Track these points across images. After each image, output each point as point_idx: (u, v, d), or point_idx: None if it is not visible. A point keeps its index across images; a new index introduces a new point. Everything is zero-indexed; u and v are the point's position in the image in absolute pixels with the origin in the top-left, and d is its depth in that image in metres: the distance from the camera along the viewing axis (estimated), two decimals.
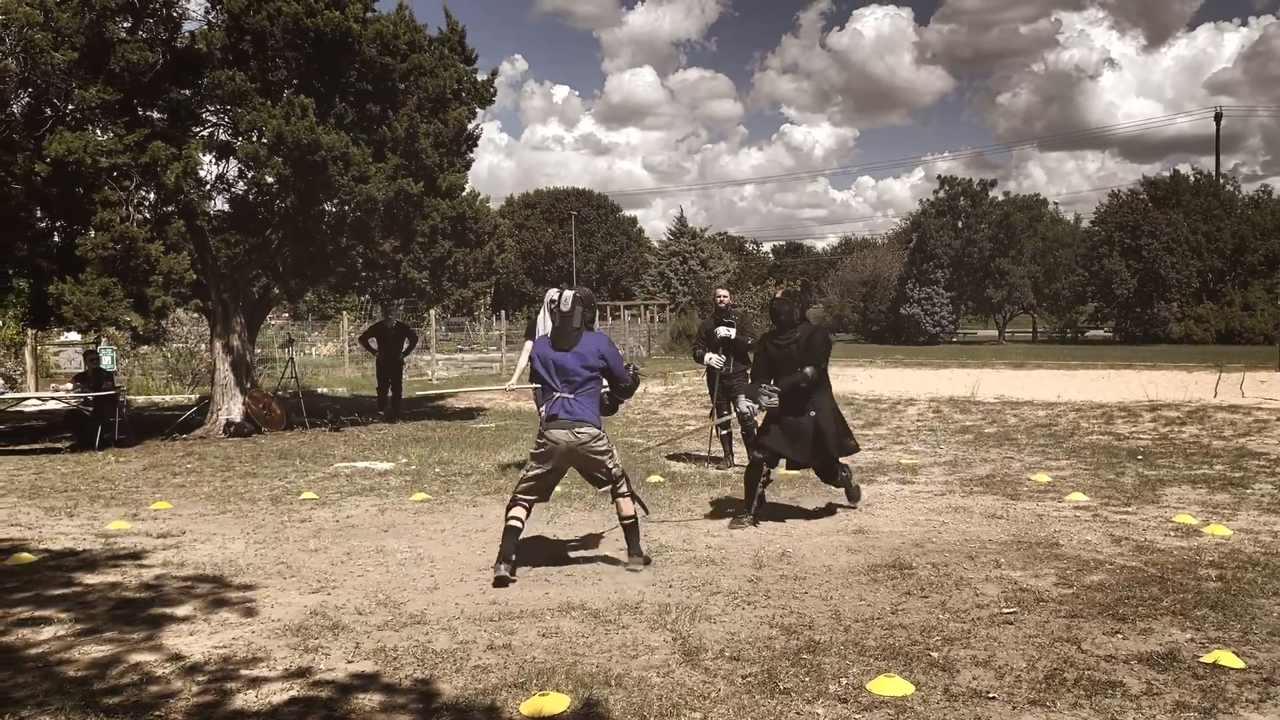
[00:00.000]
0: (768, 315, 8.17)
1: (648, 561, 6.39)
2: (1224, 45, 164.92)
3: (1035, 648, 4.74)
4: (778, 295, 8.03)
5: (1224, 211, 53.34)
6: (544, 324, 9.90)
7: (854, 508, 8.13)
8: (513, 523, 6.10)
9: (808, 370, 7.47)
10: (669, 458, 11.22)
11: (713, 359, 10.33)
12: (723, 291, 10.76)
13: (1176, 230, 51.17)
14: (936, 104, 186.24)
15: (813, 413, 7.57)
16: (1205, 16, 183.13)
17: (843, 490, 8.20)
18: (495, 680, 4.37)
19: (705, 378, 11.00)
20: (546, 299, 10.24)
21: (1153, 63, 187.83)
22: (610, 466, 6.22)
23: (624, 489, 6.28)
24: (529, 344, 9.63)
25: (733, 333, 10.32)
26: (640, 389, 7.89)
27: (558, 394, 6.10)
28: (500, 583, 5.92)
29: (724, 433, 10.64)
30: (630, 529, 6.34)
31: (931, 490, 9.08)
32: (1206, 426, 13.27)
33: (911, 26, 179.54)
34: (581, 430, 6.08)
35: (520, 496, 6.21)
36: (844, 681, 4.33)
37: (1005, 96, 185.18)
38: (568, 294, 6.33)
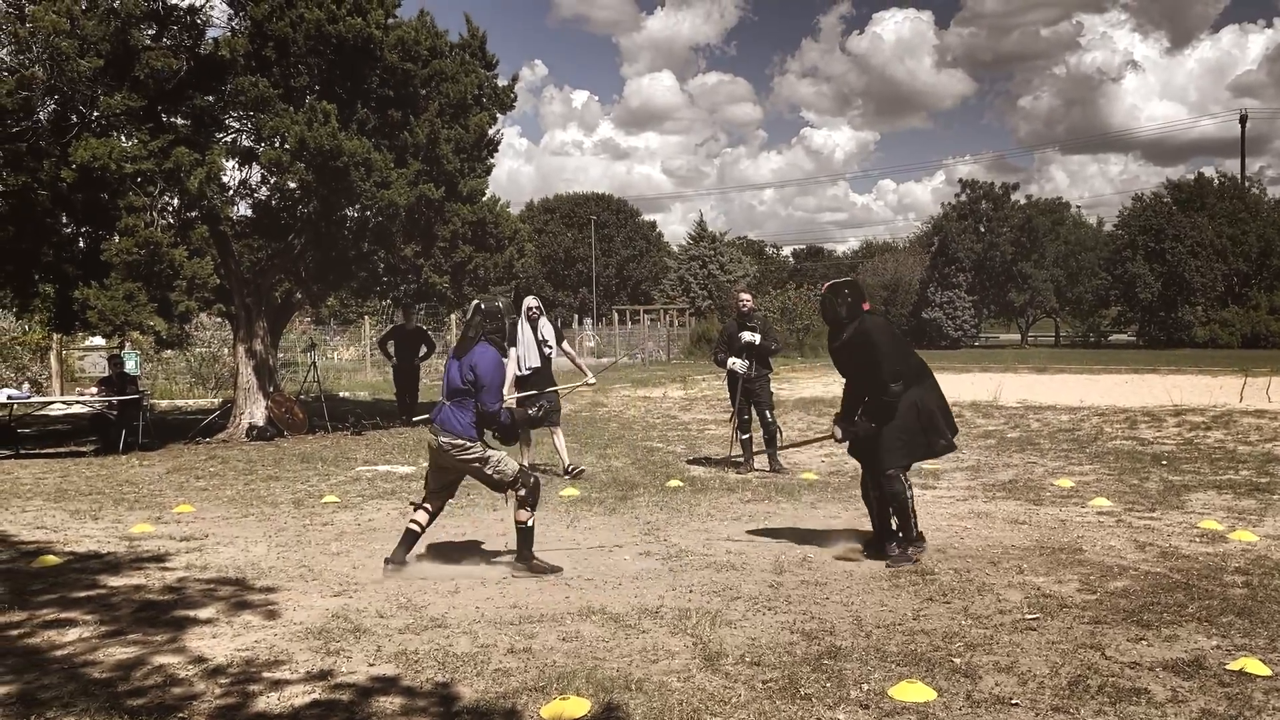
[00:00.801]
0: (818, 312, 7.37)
1: (538, 570, 6.23)
2: (1248, 47, 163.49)
3: (1058, 654, 4.70)
4: (823, 289, 6.98)
5: (1249, 214, 52.93)
6: (522, 331, 9.94)
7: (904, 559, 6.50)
8: (411, 526, 6.36)
9: (893, 386, 6.42)
10: (689, 462, 11.22)
11: (736, 364, 10.32)
12: (745, 296, 10.74)
13: (1201, 233, 50.82)
14: (957, 107, 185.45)
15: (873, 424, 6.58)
16: (1229, 18, 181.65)
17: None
18: (516, 684, 4.38)
19: (726, 382, 10.99)
20: (524, 306, 10.26)
21: (1176, 65, 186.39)
22: (489, 472, 6.23)
23: (522, 493, 6.26)
24: (513, 351, 9.65)
25: (757, 338, 10.31)
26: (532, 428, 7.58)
27: (440, 399, 6.35)
28: (391, 573, 6.18)
29: (744, 437, 10.61)
30: (521, 533, 6.33)
31: (954, 495, 9.03)
32: (1232, 431, 13.14)
33: (931, 30, 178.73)
34: (443, 438, 6.18)
35: (419, 501, 6.44)
36: (865, 687, 4.31)
37: (1027, 99, 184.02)
38: (474, 303, 6.51)
